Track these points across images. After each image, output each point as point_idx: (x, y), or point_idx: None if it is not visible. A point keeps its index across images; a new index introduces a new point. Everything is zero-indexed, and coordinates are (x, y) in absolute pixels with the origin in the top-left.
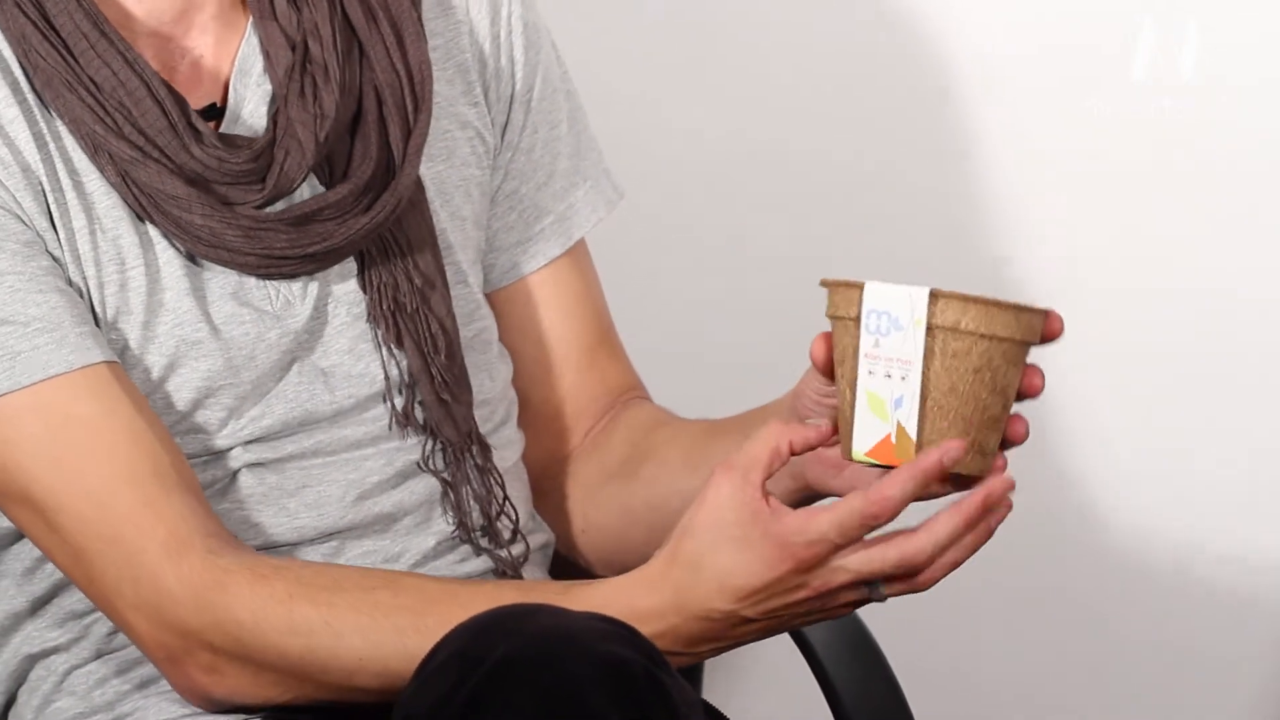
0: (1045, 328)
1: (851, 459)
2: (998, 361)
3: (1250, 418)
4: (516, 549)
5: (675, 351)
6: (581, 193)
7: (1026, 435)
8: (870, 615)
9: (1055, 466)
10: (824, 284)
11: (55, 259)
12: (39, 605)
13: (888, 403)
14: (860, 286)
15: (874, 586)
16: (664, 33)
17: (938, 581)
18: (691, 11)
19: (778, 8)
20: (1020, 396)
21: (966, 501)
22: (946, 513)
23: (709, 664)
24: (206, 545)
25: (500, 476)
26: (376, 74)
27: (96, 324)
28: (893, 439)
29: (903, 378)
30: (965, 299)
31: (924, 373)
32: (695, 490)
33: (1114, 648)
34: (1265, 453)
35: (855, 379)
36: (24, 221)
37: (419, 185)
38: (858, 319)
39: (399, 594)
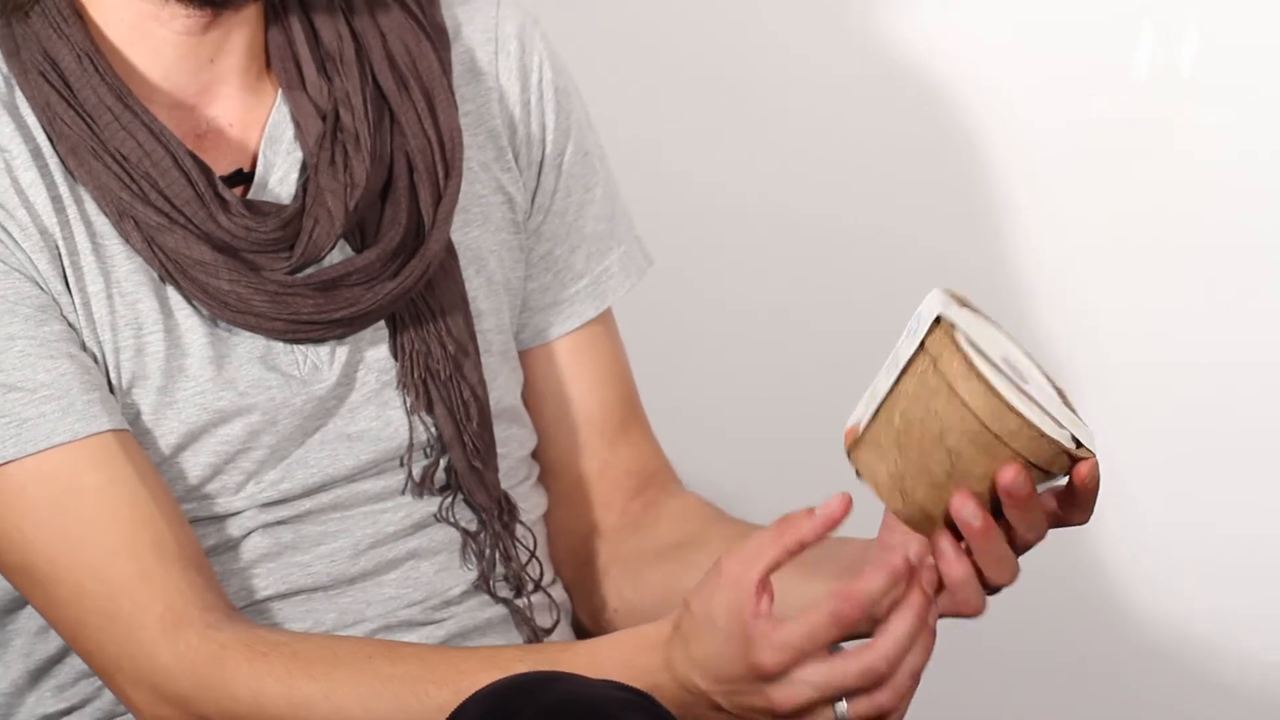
0: (1073, 472)
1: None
2: (959, 429)
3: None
4: (539, 598)
5: (704, 424)
6: (615, 256)
7: (973, 527)
8: None
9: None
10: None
11: (70, 324)
12: (52, 664)
13: (869, 392)
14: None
15: (838, 710)
16: (692, 98)
17: (904, 697)
18: (718, 75)
19: (796, 70)
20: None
21: (909, 597)
22: (898, 612)
23: None
24: (204, 620)
25: (532, 532)
26: (408, 140)
27: (111, 390)
28: (859, 427)
29: (887, 375)
30: (958, 348)
31: (896, 382)
32: None
33: (1130, 713)
34: None
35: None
36: (39, 285)
37: (450, 251)
38: None
39: (397, 663)
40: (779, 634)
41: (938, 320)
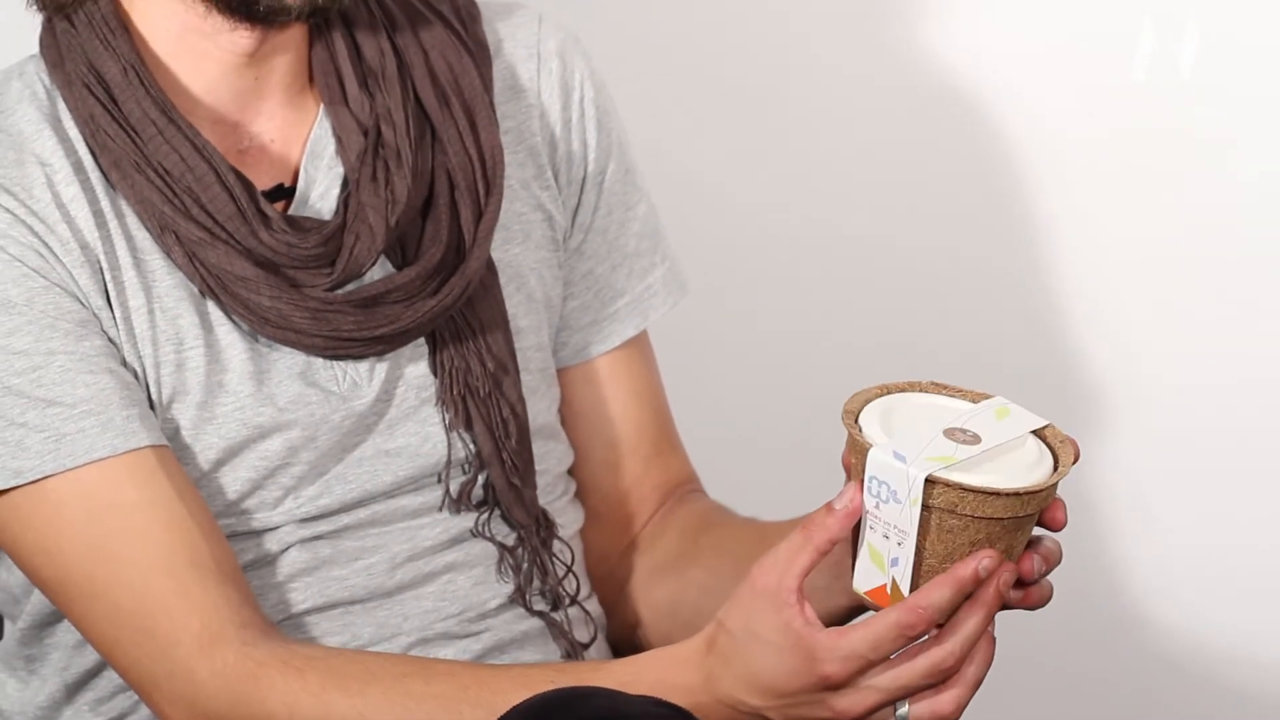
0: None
1: (854, 589)
2: (997, 534)
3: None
4: (575, 612)
5: (730, 438)
6: (659, 274)
7: (1037, 572)
8: None
9: (1102, 551)
10: (845, 418)
11: (110, 339)
12: (89, 678)
13: (885, 559)
14: (867, 449)
15: (897, 708)
16: (726, 114)
17: (964, 705)
18: (751, 92)
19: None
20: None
21: (980, 594)
22: (969, 608)
23: None
24: (241, 637)
25: (569, 547)
26: (449, 157)
27: (151, 406)
28: (888, 590)
29: (899, 543)
30: (963, 489)
31: (919, 543)
32: None
33: None
34: None
35: (862, 524)
36: (79, 300)
37: (490, 268)
38: (863, 475)
39: (431, 681)
40: (845, 644)
41: (928, 483)
